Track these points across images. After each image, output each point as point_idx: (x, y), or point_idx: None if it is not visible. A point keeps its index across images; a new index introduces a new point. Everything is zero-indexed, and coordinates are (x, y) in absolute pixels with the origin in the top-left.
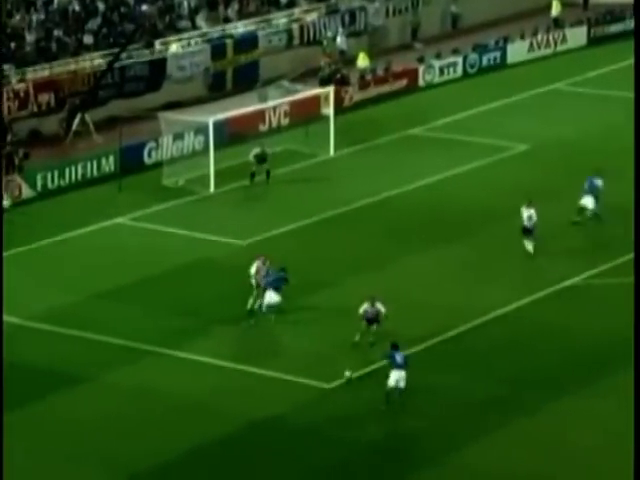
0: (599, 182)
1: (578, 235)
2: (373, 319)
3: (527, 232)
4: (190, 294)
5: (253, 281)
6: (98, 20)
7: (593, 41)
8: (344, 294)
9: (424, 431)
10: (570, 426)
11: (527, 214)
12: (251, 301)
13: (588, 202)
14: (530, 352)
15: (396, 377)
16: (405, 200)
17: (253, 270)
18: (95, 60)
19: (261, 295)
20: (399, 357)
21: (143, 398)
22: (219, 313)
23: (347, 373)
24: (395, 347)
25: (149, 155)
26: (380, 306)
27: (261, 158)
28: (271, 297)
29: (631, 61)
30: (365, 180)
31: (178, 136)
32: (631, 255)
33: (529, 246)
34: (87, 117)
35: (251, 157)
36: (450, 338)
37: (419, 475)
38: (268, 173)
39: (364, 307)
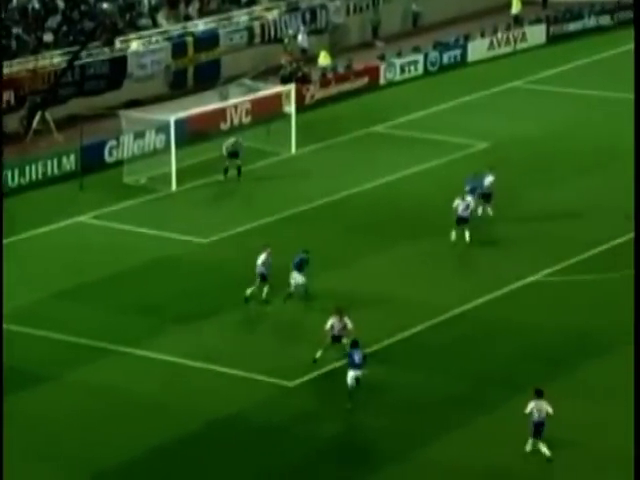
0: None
1: (536, 233)
2: (339, 337)
3: (463, 221)
4: (152, 292)
5: (258, 271)
6: (58, 18)
7: (552, 39)
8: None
9: (386, 429)
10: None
11: (463, 205)
12: (250, 290)
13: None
14: (489, 350)
15: (353, 375)
16: (366, 198)
17: (260, 261)
18: (55, 58)
19: (260, 285)
20: (357, 356)
21: (106, 396)
22: (181, 311)
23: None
24: (355, 345)
25: (110, 153)
26: (348, 320)
27: (233, 152)
28: (296, 278)
29: (590, 59)
30: (327, 178)
31: (139, 134)
32: (589, 253)
33: (466, 235)
34: (47, 115)
35: (224, 149)
36: (411, 335)
37: (382, 472)
38: (239, 169)
39: (331, 322)
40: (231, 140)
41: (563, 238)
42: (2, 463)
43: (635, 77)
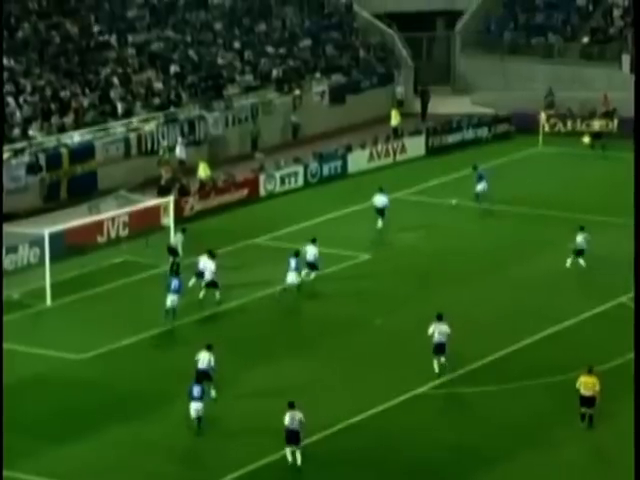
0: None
1: (422, 343)
2: (296, 437)
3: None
4: (25, 411)
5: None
6: None
7: (431, 151)
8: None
9: None
10: None
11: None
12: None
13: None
14: (374, 465)
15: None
16: (250, 310)
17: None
18: None
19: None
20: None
21: None
22: (56, 430)
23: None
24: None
25: None
26: (300, 415)
27: (171, 249)
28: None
29: (467, 172)
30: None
31: (12, 249)
32: (478, 364)
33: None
34: None
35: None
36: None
37: None
38: (177, 267)
39: (286, 421)
40: (176, 237)
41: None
42: (2, 463)
43: (635, 79)
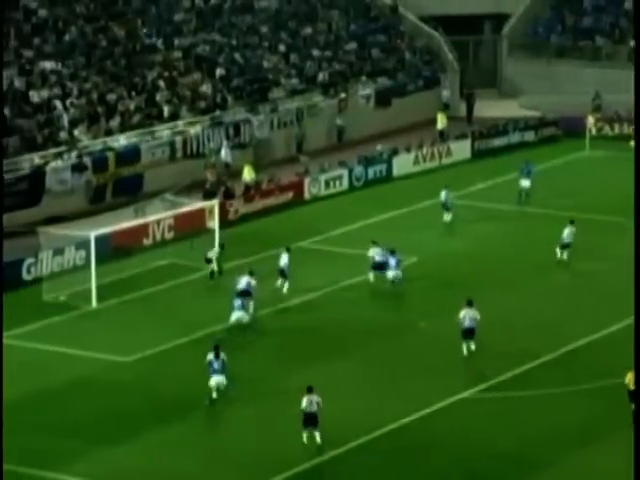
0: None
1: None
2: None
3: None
4: (72, 414)
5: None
6: None
7: (477, 154)
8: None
9: None
10: None
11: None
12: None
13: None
14: (418, 469)
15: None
16: (291, 316)
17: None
18: None
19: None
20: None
21: None
22: (102, 433)
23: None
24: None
25: (28, 271)
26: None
27: (208, 260)
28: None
29: (513, 175)
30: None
31: (58, 251)
32: (517, 371)
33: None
34: None
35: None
36: (344, 453)
37: None
38: (212, 274)
39: (303, 405)
40: (216, 249)
41: (492, 354)
42: (2, 464)
43: (635, 80)
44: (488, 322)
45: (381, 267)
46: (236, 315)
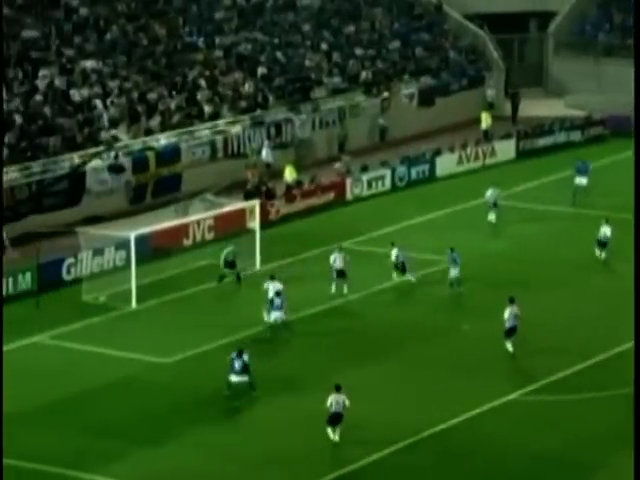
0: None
1: (512, 353)
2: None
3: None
4: (111, 415)
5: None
6: (16, 132)
7: (522, 154)
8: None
9: None
10: None
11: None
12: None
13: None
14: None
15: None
16: (332, 316)
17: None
18: (11, 174)
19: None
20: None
21: None
22: (143, 434)
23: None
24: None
25: (68, 271)
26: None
27: (231, 261)
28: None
29: (559, 175)
30: (292, 295)
31: (98, 251)
32: (564, 373)
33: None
34: (3, 232)
35: (221, 259)
36: (389, 454)
37: None
38: (239, 276)
39: (329, 403)
40: (229, 249)
41: (539, 356)
42: (2, 464)
43: (635, 80)
44: (532, 323)
45: (403, 268)
46: (274, 315)
